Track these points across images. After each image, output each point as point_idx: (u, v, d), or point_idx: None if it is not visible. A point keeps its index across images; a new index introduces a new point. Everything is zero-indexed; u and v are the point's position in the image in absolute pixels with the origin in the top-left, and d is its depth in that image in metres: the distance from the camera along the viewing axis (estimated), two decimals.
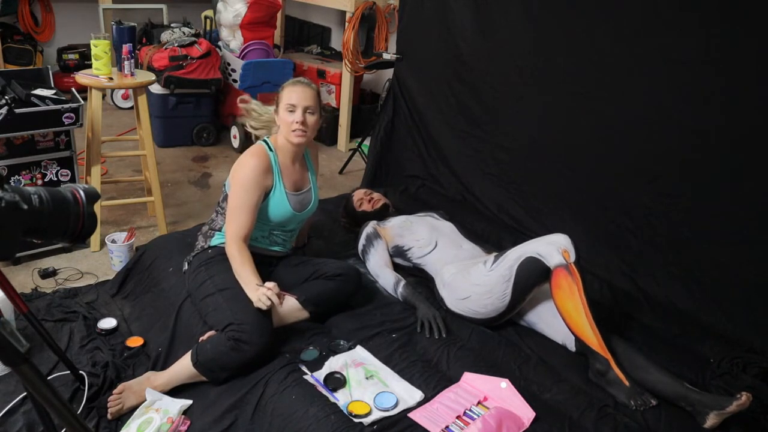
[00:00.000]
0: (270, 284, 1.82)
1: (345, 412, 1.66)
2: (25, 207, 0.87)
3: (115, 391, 1.82)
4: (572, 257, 1.89)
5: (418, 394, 1.75)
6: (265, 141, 2.08)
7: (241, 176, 1.97)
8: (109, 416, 1.78)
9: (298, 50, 5.32)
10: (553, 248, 1.91)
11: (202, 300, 1.97)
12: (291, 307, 1.99)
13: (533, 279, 1.96)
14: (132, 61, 2.77)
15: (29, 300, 2.34)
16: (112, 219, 3.15)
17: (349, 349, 1.94)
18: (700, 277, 2.28)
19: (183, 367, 1.85)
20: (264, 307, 1.80)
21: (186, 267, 2.13)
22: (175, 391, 1.86)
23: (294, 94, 1.98)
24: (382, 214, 2.63)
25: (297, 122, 1.97)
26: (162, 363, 1.99)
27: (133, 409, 1.81)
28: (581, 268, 1.90)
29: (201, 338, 1.90)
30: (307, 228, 2.50)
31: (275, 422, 1.66)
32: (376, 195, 2.72)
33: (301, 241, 2.47)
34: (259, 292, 1.80)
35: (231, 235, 1.94)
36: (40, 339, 1.87)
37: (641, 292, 2.40)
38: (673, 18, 2.21)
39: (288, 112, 1.98)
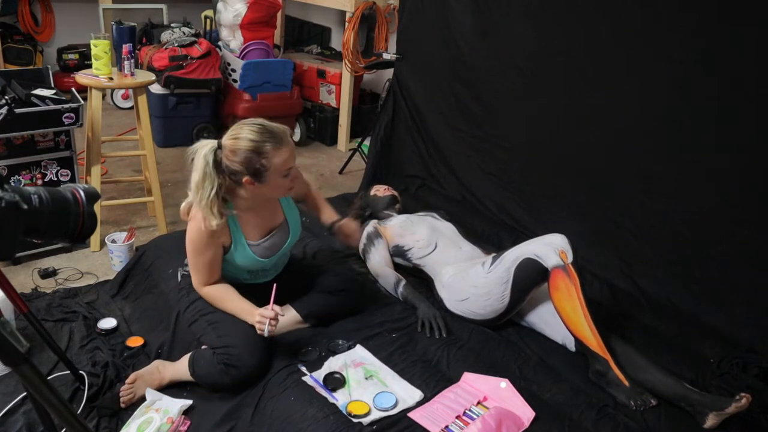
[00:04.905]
0: (268, 313, 1.72)
1: (344, 412, 1.66)
2: (25, 207, 0.87)
3: (127, 381, 1.84)
4: (569, 258, 1.89)
5: (417, 394, 1.75)
6: None
7: (189, 240, 1.82)
8: (122, 405, 1.81)
9: (298, 50, 5.31)
10: (549, 249, 1.91)
11: (189, 327, 1.92)
12: (292, 319, 1.99)
13: (531, 280, 1.96)
14: (132, 61, 2.77)
15: (29, 300, 2.33)
16: (112, 219, 3.15)
17: (349, 348, 1.94)
18: (700, 277, 2.28)
19: (185, 370, 1.86)
20: (266, 335, 1.73)
21: (180, 279, 2.07)
22: (175, 391, 1.87)
23: (289, 158, 1.77)
24: (390, 204, 2.68)
25: (295, 180, 1.85)
26: None
27: (145, 397, 1.84)
28: (579, 268, 1.89)
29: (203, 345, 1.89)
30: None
31: (275, 423, 1.66)
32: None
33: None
34: (257, 319, 1.73)
35: (197, 285, 1.87)
36: (40, 339, 1.87)
37: (641, 292, 2.40)
38: (672, 18, 2.21)
39: (284, 177, 1.79)
